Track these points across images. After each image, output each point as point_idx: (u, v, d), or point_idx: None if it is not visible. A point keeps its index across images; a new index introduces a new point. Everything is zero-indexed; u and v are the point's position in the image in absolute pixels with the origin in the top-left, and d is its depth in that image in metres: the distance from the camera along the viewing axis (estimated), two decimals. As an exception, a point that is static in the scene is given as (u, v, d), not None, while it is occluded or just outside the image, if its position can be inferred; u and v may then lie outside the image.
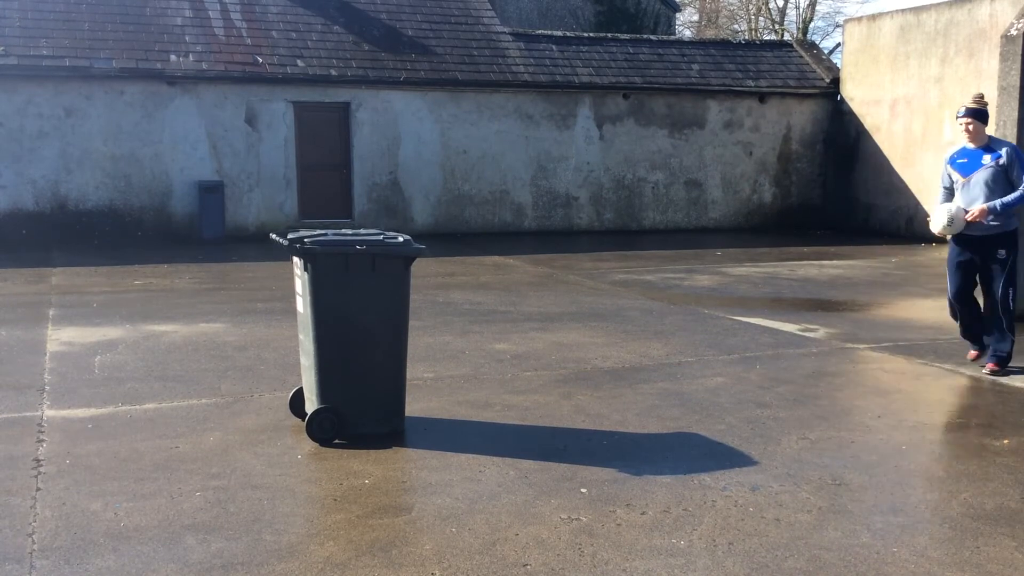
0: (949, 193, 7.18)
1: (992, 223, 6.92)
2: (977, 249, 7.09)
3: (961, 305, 7.34)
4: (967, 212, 6.89)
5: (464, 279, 12.51)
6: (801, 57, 21.59)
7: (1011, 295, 7.02)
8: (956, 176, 7.07)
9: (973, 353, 7.51)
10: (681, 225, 20.20)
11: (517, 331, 8.95)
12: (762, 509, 4.59)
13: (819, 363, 7.75)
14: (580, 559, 4.02)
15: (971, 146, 7.00)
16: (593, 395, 6.65)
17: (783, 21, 40.57)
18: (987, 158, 6.90)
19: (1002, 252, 6.97)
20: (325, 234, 5.62)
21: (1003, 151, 6.87)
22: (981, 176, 6.90)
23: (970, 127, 6.94)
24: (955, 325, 9.54)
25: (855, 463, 5.28)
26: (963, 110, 6.95)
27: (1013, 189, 6.81)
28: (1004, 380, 7.23)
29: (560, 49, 19.76)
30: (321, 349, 5.52)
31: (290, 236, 5.58)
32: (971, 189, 6.97)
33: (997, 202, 6.80)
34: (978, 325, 7.37)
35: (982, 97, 6.95)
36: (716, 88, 20.11)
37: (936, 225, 7.02)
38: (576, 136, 19.34)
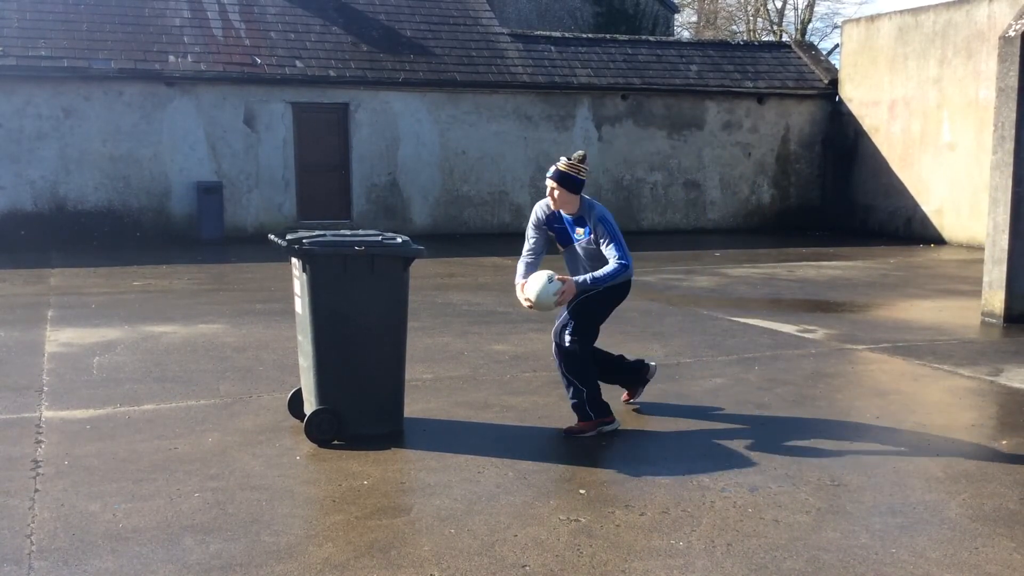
0: (534, 255, 5.95)
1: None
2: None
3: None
4: (559, 291, 5.63)
5: (463, 280, 12.50)
6: (799, 58, 21.60)
7: (569, 329, 5.76)
8: (555, 239, 5.96)
9: (624, 395, 6.52)
10: (680, 226, 20.20)
11: (516, 332, 8.95)
12: (761, 510, 4.59)
13: (818, 364, 7.75)
14: (579, 560, 4.02)
15: (565, 213, 5.83)
16: (592, 396, 6.64)
17: (781, 22, 40.61)
18: (580, 232, 5.79)
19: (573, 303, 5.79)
20: (324, 235, 5.62)
21: (591, 225, 5.73)
22: (578, 251, 5.84)
23: (555, 194, 5.72)
24: (954, 325, 9.57)
25: (854, 464, 5.28)
26: (552, 171, 5.75)
27: (607, 262, 5.71)
28: (1003, 381, 7.24)
29: (559, 50, 19.77)
30: (320, 350, 5.52)
31: (288, 237, 5.58)
32: (570, 262, 5.96)
33: (588, 276, 5.66)
34: (611, 371, 6.29)
35: (582, 159, 5.79)
36: (714, 89, 20.12)
37: (530, 295, 5.69)
38: (575, 137, 19.34)
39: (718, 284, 12.36)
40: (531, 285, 5.69)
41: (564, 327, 5.77)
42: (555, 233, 5.93)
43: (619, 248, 5.69)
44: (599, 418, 5.82)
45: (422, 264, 12.92)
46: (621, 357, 6.38)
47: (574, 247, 5.85)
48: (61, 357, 7.78)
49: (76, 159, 16.43)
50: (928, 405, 6.64)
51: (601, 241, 5.70)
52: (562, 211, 5.82)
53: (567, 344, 5.75)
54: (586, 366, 5.80)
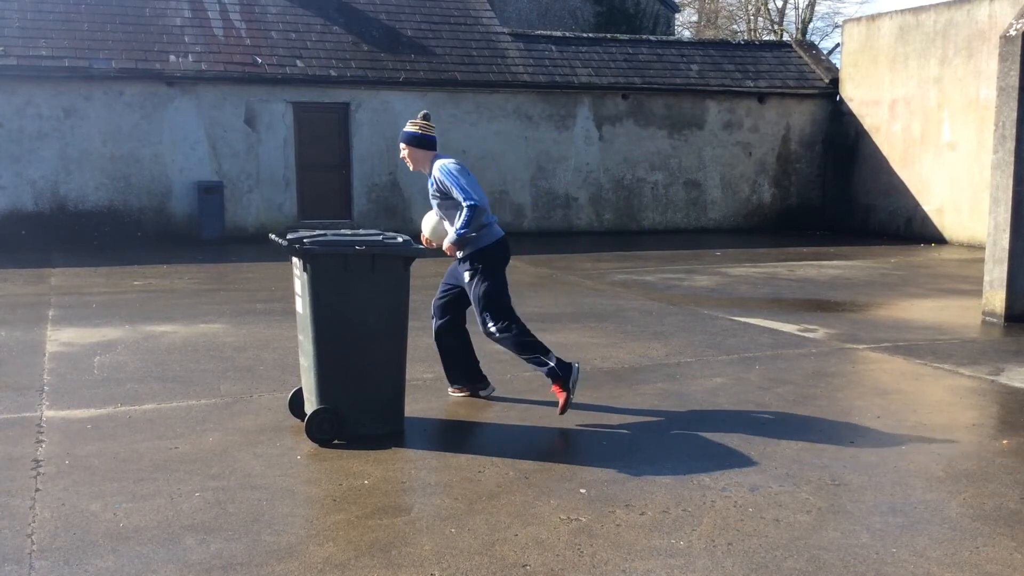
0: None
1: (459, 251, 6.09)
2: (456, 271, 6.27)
3: (436, 319, 6.42)
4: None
5: (463, 279, 12.49)
6: (800, 57, 21.60)
7: (489, 321, 5.99)
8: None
9: (453, 390, 6.65)
10: (680, 225, 20.20)
11: (516, 331, 8.93)
12: (761, 509, 4.59)
13: (818, 363, 7.75)
14: (580, 559, 4.02)
15: (427, 173, 6.13)
16: (592, 395, 6.64)
17: (782, 21, 40.61)
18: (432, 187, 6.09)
19: (466, 275, 6.08)
20: (324, 234, 5.63)
21: (433, 178, 5.99)
22: (439, 207, 6.10)
23: (405, 153, 6.08)
24: (954, 325, 9.56)
25: (854, 463, 5.28)
26: (400, 135, 6.13)
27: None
28: (1003, 380, 7.24)
29: (559, 49, 19.77)
30: (320, 350, 5.52)
31: (289, 236, 5.58)
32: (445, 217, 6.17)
33: (453, 234, 5.94)
34: (453, 360, 6.49)
35: (427, 117, 6.13)
36: (715, 89, 20.11)
37: (426, 232, 6.27)
38: (575, 137, 19.35)
39: (719, 283, 12.36)
40: (424, 224, 6.23)
41: (484, 324, 5.97)
42: (431, 199, 6.19)
43: (463, 191, 5.90)
44: (566, 375, 5.97)
45: (423, 263, 12.88)
46: (478, 363, 6.56)
47: (439, 207, 6.13)
48: (62, 357, 7.78)
49: (77, 159, 16.44)
50: (929, 404, 6.64)
51: (451, 191, 5.93)
52: (426, 173, 6.08)
53: (497, 335, 5.98)
54: (526, 337, 6.01)
